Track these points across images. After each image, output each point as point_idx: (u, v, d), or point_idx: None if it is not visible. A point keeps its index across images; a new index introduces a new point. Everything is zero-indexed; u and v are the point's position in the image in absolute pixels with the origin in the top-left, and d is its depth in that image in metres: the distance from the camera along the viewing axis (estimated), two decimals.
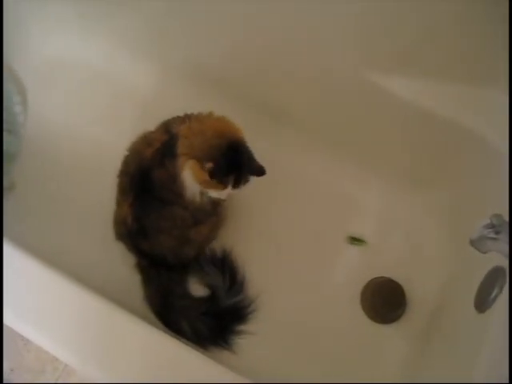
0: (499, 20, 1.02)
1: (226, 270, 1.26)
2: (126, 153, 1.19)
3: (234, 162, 1.08)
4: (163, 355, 0.90)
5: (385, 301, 1.26)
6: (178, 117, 1.17)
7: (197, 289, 1.28)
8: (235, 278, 1.26)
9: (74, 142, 1.47)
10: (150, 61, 1.54)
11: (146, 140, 1.16)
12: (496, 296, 0.94)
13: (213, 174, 1.06)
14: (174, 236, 1.18)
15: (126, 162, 1.19)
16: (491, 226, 0.81)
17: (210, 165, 1.06)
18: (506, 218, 0.82)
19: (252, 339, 1.21)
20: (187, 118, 1.15)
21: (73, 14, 1.53)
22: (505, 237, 0.80)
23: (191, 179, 1.09)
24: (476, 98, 1.15)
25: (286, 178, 1.39)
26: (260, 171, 1.10)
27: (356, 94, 1.29)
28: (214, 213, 1.23)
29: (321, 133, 1.42)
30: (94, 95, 1.56)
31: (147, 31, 1.49)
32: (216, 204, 1.23)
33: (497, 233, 0.81)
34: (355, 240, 1.34)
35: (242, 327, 1.22)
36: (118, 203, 1.20)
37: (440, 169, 1.30)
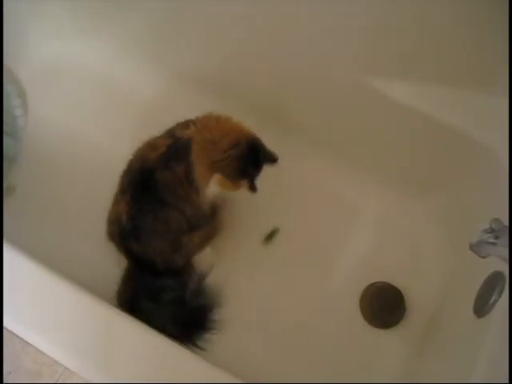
0: (500, 23, 1.02)
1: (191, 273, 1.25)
2: (131, 157, 1.20)
3: (256, 161, 1.21)
4: (161, 356, 0.90)
5: (384, 306, 1.26)
6: (181, 122, 1.20)
7: None
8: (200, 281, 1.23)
9: (74, 145, 1.47)
10: (150, 63, 1.55)
11: (150, 145, 1.18)
12: (495, 301, 0.94)
13: (251, 186, 1.24)
14: (167, 240, 1.18)
15: (130, 164, 1.20)
16: (490, 230, 0.81)
17: (244, 180, 1.23)
18: (506, 223, 0.82)
19: (250, 342, 1.21)
20: (191, 122, 1.19)
21: (73, 17, 1.53)
22: (504, 241, 0.80)
23: (216, 191, 1.22)
24: (476, 103, 1.16)
25: (285, 182, 1.39)
26: (273, 158, 1.22)
27: (356, 98, 1.29)
28: (210, 221, 1.24)
29: (321, 139, 1.42)
30: (94, 98, 1.56)
31: (147, 34, 1.50)
32: (214, 212, 1.25)
33: (496, 237, 0.81)
34: (270, 236, 1.34)
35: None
36: (116, 201, 1.20)
37: (440, 174, 1.30)
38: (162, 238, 1.17)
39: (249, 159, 1.19)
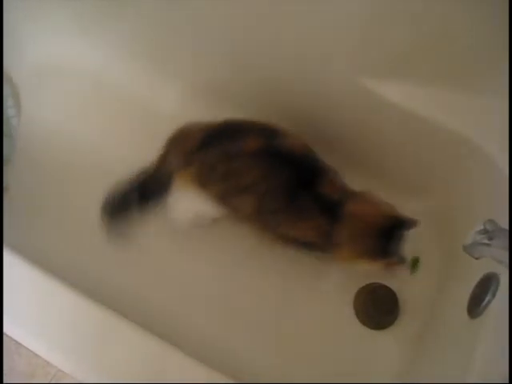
0: (500, 23, 1.02)
1: None
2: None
3: (399, 237, 1.16)
4: (155, 357, 0.90)
5: (378, 307, 1.26)
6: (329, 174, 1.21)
7: None
8: None
9: (67, 146, 1.46)
10: (149, 64, 1.54)
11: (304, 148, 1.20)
12: (489, 302, 0.94)
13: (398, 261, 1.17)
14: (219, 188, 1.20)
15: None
16: (484, 231, 0.81)
17: (394, 261, 1.17)
18: (501, 224, 0.83)
19: (246, 343, 1.21)
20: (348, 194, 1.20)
21: (69, 17, 1.52)
22: (498, 243, 0.80)
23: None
24: (475, 105, 1.14)
25: None
26: (413, 225, 1.15)
27: (353, 100, 1.28)
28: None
29: (319, 139, 1.41)
30: (90, 99, 1.56)
31: (145, 34, 1.48)
32: None
33: (490, 239, 0.81)
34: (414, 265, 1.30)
35: None
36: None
37: (437, 175, 1.30)
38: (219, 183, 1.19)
39: (391, 241, 1.15)
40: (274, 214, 1.20)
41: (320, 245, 1.20)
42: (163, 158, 1.26)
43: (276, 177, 1.16)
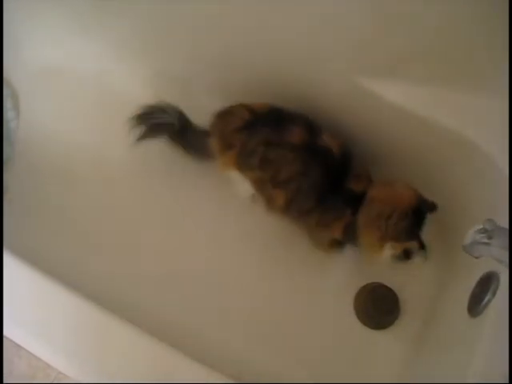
0: (500, 24, 1.02)
1: None
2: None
3: (421, 220, 1.15)
4: (156, 359, 0.90)
5: (378, 306, 1.26)
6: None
7: None
8: None
9: (67, 146, 1.46)
10: (149, 66, 1.54)
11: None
12: (489, 301, 0.94)
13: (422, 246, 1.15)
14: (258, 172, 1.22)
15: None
16: (484, 231, 0.81)
17: (415, 244, 1.14)
18: (501, 224, 0.83)
19: (246, 343, 1.21)
20: (367, 181, 1.22)
21: (69, 17, 1.52)
22: (497, 242, 0.80)
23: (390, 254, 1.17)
24: (475, 105, 1.14)
25: None
26: (434, 208, 1.15)
27: (353, 100, 1.28)
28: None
29: None
30: (88, 100, 1.55)
31: (141, 36, 1.49)
32: None
33: (489, 238, 0.81)
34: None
35: None
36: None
37: (434, 175, 1.30)
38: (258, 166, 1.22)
39: (414, 223, 1.15)
40: (302, 211, 1.22)
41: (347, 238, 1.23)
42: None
43: (312, 176, 1.18)
